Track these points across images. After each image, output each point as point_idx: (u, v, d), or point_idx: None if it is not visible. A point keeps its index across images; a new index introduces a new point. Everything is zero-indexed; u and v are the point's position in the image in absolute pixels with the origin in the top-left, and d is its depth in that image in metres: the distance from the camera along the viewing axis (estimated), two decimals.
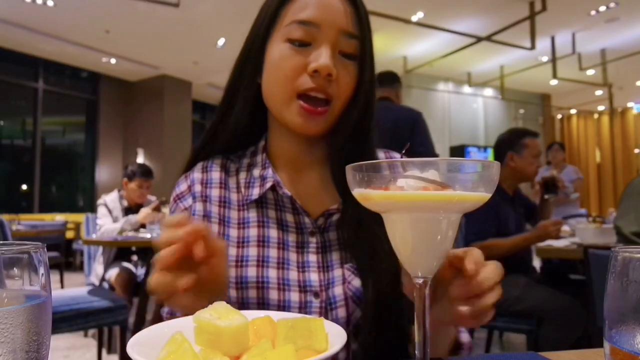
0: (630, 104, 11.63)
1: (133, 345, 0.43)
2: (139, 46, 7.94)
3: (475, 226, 2.40)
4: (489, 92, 10.80)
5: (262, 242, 0.74)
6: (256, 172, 0.79)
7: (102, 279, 3.13)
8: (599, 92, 10.34)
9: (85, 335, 3.53)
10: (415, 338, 0.49)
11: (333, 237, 0.76)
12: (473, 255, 0.53)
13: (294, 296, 0.71)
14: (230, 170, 0.81)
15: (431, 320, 0.50)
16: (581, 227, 2.66)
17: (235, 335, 0.42)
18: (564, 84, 9.48)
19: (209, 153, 0.83)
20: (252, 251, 0.73)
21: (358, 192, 0.46)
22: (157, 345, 0.42)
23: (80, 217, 6.73)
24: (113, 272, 3.09)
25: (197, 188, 0.78)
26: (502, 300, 2.15)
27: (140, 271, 3.25)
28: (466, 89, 10.36)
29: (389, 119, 2.96)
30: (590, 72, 8.88)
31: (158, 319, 0.69)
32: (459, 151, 9.68)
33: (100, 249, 3.26)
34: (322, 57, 0.68)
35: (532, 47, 6.75)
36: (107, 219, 3.36)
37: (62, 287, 5.57)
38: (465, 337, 0.73)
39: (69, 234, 6.85)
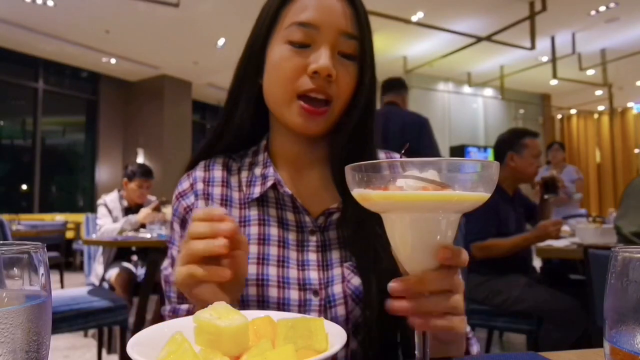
0: (630, 104, 11.64)
1: (133, 345, 0.43)
2: (139, 46, 7.94)
3: (475, 226, 2.40)
4: (489, 92, 10.80)
5: (263, 240, 0.75)
6: (258, 171, 0.79)
7: (102, 279, 3.13)
8: (599, 92, 10.35)
9: (85, 335, 3.53)
10: (415, 339, 0.49)
11: (333, 236, 0.76)
12: (450, 253, 0.49)
13: (294, 294, 0.72)
14: (232, 169, 0.82)
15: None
16: (581, 227, 2.66)
17: (235, 335, 0.42)
18: (564, 84, 9.48)
19: (212, 152, 0.84)
20: (253, 249, 0.74)
21: (357, 192, 0.47)
22: (157, 345, 0.42)
23: (80, 217, 6.73)
24: (113, 272, 3.09)
25: (199, 186, 0.79)
26: (502, 300, 2.15)
27: (140, 271, 3.25)
28: (466, 89, 10.36)
29: (397, 123, 3.08)
30: (590, 72, 8.88)
31: (158, 318, 0.69)
32: (459, 151, 9.68)
33: (100, 249, 3.26)
34: (321, 58, 0.69)
35: (532, 47, 6.75)
36: (107, 219, 3.36)
37: (62, 287, 5.57)
38: (475, 349, 0.73)
39: (69, 234, 6.85)
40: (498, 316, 2.35)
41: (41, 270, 0.40)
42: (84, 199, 9.42)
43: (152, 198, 3.60)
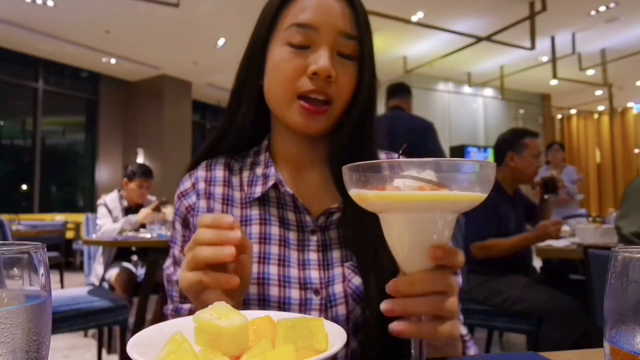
0: (630, 104, 11.64)
1: (133, 345, 0.43)
2: (139, 46, 7.94)
3: (475, 226, 2.40)
4: (489, 92, 10.80)
5: (264, 239, 0.75)
6: (259, 170, 0.80)
7: (102, 279, 3.13)
8: (599, 92, 10.35)
9: (85, 335, 3.53)
10: (412, 339, 0.49)
11: (334, 236, 0.77)
12: (442, 252, 0.48)
13: (294, 293, 0.72)
14: (233, 169, 0.82)
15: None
16: (581, 227, 2.66)
17: (235, 336, 0.42)
18: (564, 84, 9.48)
19: (214, 153, 0.84)
20: (254, 248, 0.74)
21: (354, 193, 0.47)
22: (157, 345, 0.42)
23: (80, 217, 6.73)
24: (113, 272, 3.09)
25: (201, 186, 0.80)
26: (502, 300, 2.15)
27: (140, 271, 3.25)
28: (466, 89, 10.36)
29: (403, 128, 3.17)
30: (590, 72, 8.88)
31: (158, 318, 0.69)
32: (459, 151, 9.68)
33: (100, 249, 3.26)
34: (321, 59, 0.69)
35: (532, 47, 6.75)
36: (107, 219, 3.36)
37: (62, 287, 5.57)
38: (472, 351, 0.73)
39: (69, 234, 6.85)
40: (498, 316, 2.35)
41: (41, 270, 0.40)
42: (84, 199, 9.42)
43: (152, 198, 3.60)
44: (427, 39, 7.79)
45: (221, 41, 7.61)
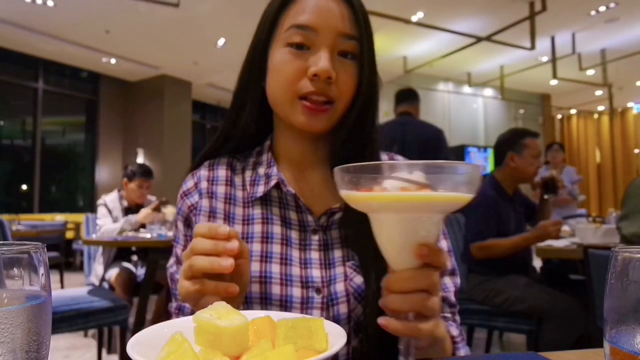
0: (630, 104, 11.63)
1: (133, 345, 0.43)
2: (139, 46, 7.94)
3: (475, 226, 2.40)
4: (489, 92, 10.80)
5: (266, 238, 0.76)
6: (261, 170, 0.81)
7: (102, 279, 3.13)
8: (599, 92, 10.34)
9: (85, 335, 3.53)
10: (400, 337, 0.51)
11: (335, 236, 0.77)
12: (428, 250, 0.49)
13: (296, 291, 0.73)
14: (236, 169, 0.83)
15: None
16: (581, 227, 2.66)
17: (235, 335, 0.42)
18: (564, 84, 9.48)
19: (218, 153, 0.85)
20: (256, 247, 0.75)
21: (344, 193, 0.48)
22: (157, 345, 0.42)
23: (80, 217, 6.73)
24: (113, 272, 3.09)
25: (204, 185, 0.81)
26: (502, 300, 2.15)
27: (140, 271, 3.25)
28: (466, 89, 10.36)
29: (413, 133, 3.28)
30: (590, 72, 8.88)
31: (158, 318, 0.70)
32: (459, 151, 9.67)
33: (100, 249, 3.26)
34: (320, 60, 0.70)
35: (532, 47, 6.74)
36: (107, 219, 3.36)
37: (62, 287, 5.57)
38: (462, 352, 0.74)
39: (69, 234, 6.85)
40: (498, 316, 2.35)
41: (41, 270, 0.40)
42: (84, 199, 9.42)
43: (152, 198, 3.60)
44: (427, 39, 7.79)
45: (221, 41, 7.61)
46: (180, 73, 9.31)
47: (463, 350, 0.73)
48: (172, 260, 0.82)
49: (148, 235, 3.11)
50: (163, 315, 2.89)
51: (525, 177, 2.52)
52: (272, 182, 0.77)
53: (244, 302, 0.73)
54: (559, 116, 12.68)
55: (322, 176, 0.81)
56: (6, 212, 6.69)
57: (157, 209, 3.35)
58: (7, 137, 8.58)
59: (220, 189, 0.80)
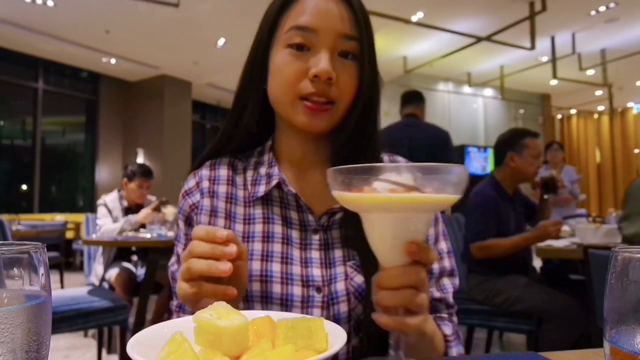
0: (630, 104, 11.63)
1: (133, 345, 0.43)
2: (139, 46, 7.94)
3: (475, 226, 2.40)
4: (489, 92, 10.79)
5: (267, 237, 0.77)
6: (263, 170, 0.81)
7: (102, 279, 3.13)
8: (598, 92, 10.34)
9: (85, 335, 3.53)
10: (390, 334, 0.52)
11: (336, 235, 0.78)
12: (416, 247, 0.52)
13: (297, 290, 0.73)
14: (237, 169, 0.84)
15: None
16: (581, 227, 2.66)
17: (235, 336, 0.42)
18: (563, 84, 9.48)
19: (219, 154, 0.86)
20: (257, 246, 0.76)
21: (336, 194, 0.51)
22: (157, 345, 0.42)
23: (80, 217, 6.73)
24: (113, 272, 3.09)
25: (205, 184, 0.81)
26: (502, 300, 2.15)
27: (140, 271, 3.25)
28: (466, 89, 10.35)
29: (420, 135, 3.35)
30: (590, 72, 8.87)
31: (158, 319, 0.70)
32: (459, 151, 9.66)
33: (100, 249, 3.26)
34: (321, 62, 0.70)
35: (532, 47, 6.74)
36: (107, 219, 3.36)
37: (62, 287, 5.57)
38: (454, 351, 0.74)
39: (69, 234, 6.85)
40: (498, 316, 2.35)
41: (41, 270, 0.40)
42: (84, 199, 9.42)
43: (152, 198, 3.60)
44: (427, 39, 7.79)
45: (221, 41, 7.60)
46: (180, 73, 9.31)
47: (455, 350, 0.74)
48: (173, 259, 0.83)
49: (148, 235, 3.11)
50: (163, 315, 2.89)
51: (525, 177, 2.52)
52: (274, 182, 0.77)
53: (244, 300, 0.74)
54: (559, 116, 12.68)
55: (323, 176, 0.81)
56: (6, 212, 6.69)
57: (157, 209, 3.35)
58: (7, 137, 8.58)
59: (222, 189, 0.81)
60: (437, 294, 0.79)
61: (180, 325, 0.48)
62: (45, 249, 0.41)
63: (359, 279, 0.74)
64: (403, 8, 6.42)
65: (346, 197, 0.49)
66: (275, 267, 0.74)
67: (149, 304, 2.86)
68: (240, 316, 0.44)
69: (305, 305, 0.73)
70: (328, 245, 0.77)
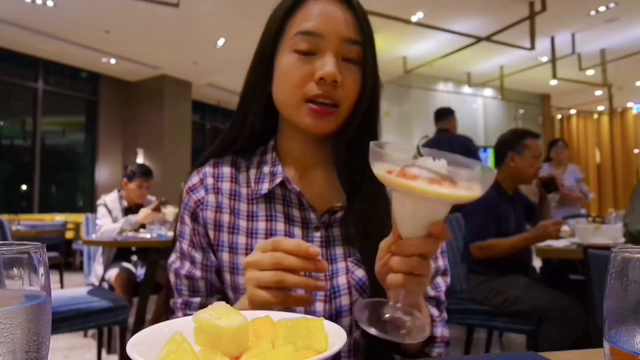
0: (630, 104, 11.63)
1: (133, 345, 0.43)
2: (139, 46, 7.94)
3: (475, 226, 2.40)
4: (488, 92, 10.79)
5: (270, 234, 0.79)
6: (266, 169, 0.83)
7: (102, 279, 3.13)
8: (598, 92, 10.34)
9: (85, 335, 3.53)
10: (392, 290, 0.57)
11: (337, 233, 0.80)
12: (441, 228, 0.56)
13: None
14: (240, 167, 0.86)
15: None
16: (581, 227, 2.66)
17: (235, 336, 0.42)
18: (563, 84, 9.48)
19: (223, 153, 0.88)
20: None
21: (376, 169, 0.53)
22: (157, 345, 0.42)
23: (80, 217, 6.73)
24: (113, 272, 3.09)
25: (209, 181, 0.83)
26: (502, 300, 2.15)
27: (140, 271, 3.25)
28: (466, 89, 10.36)
29: (446, 148, 3.50)
30: (590, 72, 8.87)
31: (158, 318, 0.71)
32: None
33: (100, 249, 3.26)
34: (327, 65, 0.72)
35: (532, 47, 6.74)
36: (107, 219, 3.36)
37: (62, 287, 5.57)
38: (439, 331, 0.78)
39: (69, 234, 6.85)
40: (498, 316, 2.35)
41: (41, 271, 0.40)
42: (84, 199, 9.42)
43: (152, 198, 3.60)
44: (427, 39, 7.79)
45: (221, 41, 7.60)
46: (180, 73, 9.31)
47: (440, 329, 0.78)
48: (174, 256, 0.84)
49: (148, 236, 3.11)
50: (163, 315, 2.89)
51: (525, 178, 2.53)
52: (277, 180, 0.79)
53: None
54: (559, 116, 12.69)
55: (325, 176, 0.84)
56: (6, 212, 6.69)
57: (157, 209, 3.35)
58: (7, 137, 8.58)
59: (226, 185, 0.82)
60: (431, 292, 0.81)
61: (180, 325, 0.48)
62: (45, 249, 0.41)
63: (359, 272, 0.77)
64: (403, 8, 6.42)
65: (385, 178, 0.52)
66: None
67: (149, 304, 2.86)
68: (240, 316, 0.44)
69: None
70: (329, 243, 0.79)
